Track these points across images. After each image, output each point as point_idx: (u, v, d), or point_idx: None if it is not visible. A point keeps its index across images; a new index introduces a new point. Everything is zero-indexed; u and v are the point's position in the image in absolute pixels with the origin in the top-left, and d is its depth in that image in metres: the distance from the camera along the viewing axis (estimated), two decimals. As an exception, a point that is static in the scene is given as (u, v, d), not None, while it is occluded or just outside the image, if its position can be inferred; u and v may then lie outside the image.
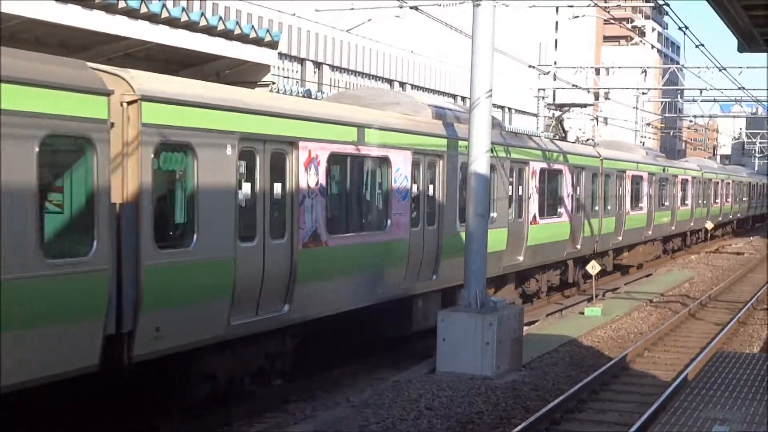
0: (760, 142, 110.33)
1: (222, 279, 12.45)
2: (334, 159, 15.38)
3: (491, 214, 20.26)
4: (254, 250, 13.14)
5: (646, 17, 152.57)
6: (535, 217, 23.83)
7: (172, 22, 14.74)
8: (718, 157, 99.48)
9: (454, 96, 76.92)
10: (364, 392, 15.05)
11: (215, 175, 12.29)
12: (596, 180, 29.25)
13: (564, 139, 30.12)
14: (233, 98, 13.01)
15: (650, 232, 36.32)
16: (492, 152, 18.01)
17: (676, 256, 42.68)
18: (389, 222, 16.95)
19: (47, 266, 9.83)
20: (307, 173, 14.38)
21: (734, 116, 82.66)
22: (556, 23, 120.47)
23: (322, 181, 14.78)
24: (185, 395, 12.86)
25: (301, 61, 60.02)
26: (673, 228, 40.50)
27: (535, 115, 50.79)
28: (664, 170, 38.69)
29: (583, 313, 24.01)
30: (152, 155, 11.31)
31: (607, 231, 30.38)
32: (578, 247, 27.65)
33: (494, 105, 17.47)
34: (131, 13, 14.03)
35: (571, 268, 28.11)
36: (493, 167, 19.03)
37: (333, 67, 63.08)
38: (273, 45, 17.19)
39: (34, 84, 9.71)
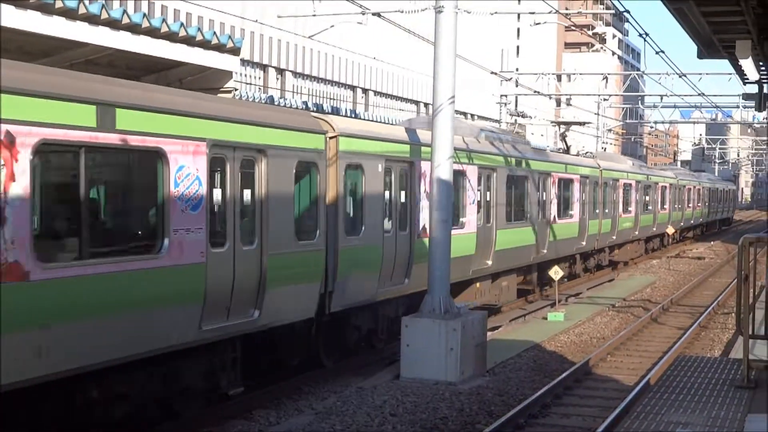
0: (720, 148, 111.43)
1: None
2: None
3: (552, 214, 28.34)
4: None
5: (607, 24, 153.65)
6: (554, 218, 28.79)
7: (134, 29, 14.64)
8: (679, 163, 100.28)
9: (417, 103, 77.08)
10: (328, 399, 15.02)
11: (372, 184, 17.45)
12: (597, 188, 33.85)
13: (567, 152, 34.36)
14: (381, 131, 18.52)
15: (637, 233, 40.77)
16: (527, 165, 25.88)
17: (638, 260, 43.00)
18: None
19: (298, 246, 14.85)
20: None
21: (694, 122, 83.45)
22: (518, 30, 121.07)
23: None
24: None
25: (264, 67, 59.88)
26: (654, 229, 44.95)
27: (498, 121, 50.97)
28: (647, 178, 43.00)
29: (546, 319, 24.13)
30: (344, 172, 16.43)
31: (605, 231, 34.79)
32: (583, 243, 32.28)
33: (457, 111, 17.51)
34: (92, 19, 13.92)
35: (578, 262, 33.22)
36: (527, 177, 26.04)
37: (296, 74, 63.01)
38: (235, 51, 17.13)
39: (294, 129, 15.06)
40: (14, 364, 9.89)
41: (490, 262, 23.17)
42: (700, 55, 11.49)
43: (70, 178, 11.08)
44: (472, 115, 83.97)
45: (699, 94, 42.81)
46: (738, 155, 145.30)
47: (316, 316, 15.77)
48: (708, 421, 8.92)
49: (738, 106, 56.68)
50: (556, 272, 26.12)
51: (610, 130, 70.23)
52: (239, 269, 13.51)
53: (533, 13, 29.60)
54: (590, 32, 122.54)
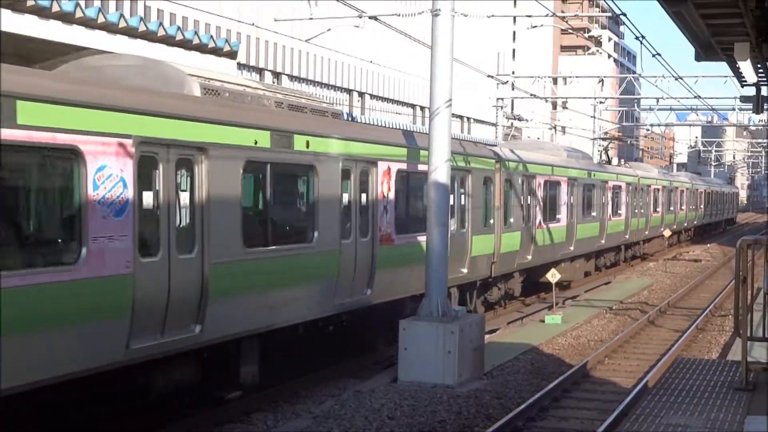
0: (715, 151, 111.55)
1: None
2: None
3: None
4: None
5: (603, 27, 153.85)
6: (609, 216, 36.97)
7: (130, 32, 14.68)
8: (675, 166, 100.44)
9: (413, 106, 77.06)
10: (326, 403, 15.00)
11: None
12: (636, 193, 42.00)
13: (609, 163, 42.44)
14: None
15: (661, 228, 48.69)
16: (594, 176, 34.32)
17: (633, 263, 43.05)
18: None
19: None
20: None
21: (690, 125, 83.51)
22: (514, 33, 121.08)
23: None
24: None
25: (260, 71, 59.87)
26: (675, 226, 52.42)
27: (494, 125, 50.96)
28: (670, 184, 50.98)
29: (543, 321, 24.11)
30: (504, 183, 23.56)
31: (641, 227, 43.19)
32: (627, 236, 40.56)
33: (453, 115, 17.49)
34: (88, 24, 13.95)
35: (622, 251, 41.42)
36: (594, 185, 34.63)
37: (292, 77, 62.98)
38: (232, 55, 17.17)
39: (474, 156, 21.39)
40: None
41: (572, 248, 31.75)
42: (698, 58, 11.49)
43: None
44: (468, 119, 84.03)
45: (695, 97, 42.83)
46: (734, 158, 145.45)
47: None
48: (707, 423, 8.92)
49: (734, 109, 56.71)
50: (553, 275, 26.11)
51: (606, 133, 70.29)
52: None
53: (530, 16, 29.61)
54: (586, 35, 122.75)
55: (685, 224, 56.20)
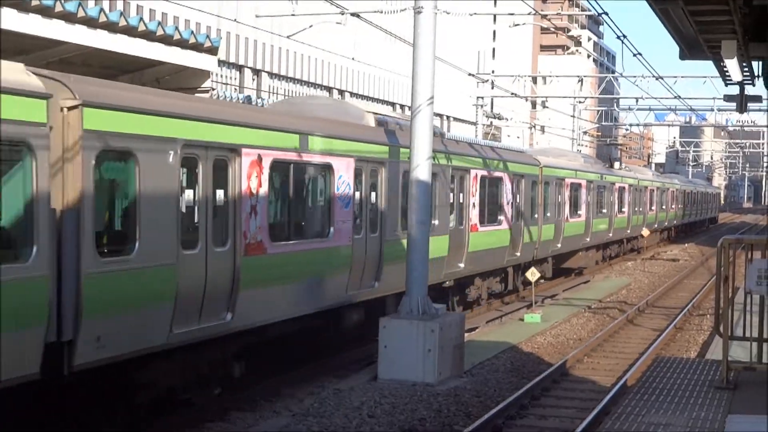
0: (693, 151, 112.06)
1: None
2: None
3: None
4: None
5: (582, 27, 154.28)
6: (616, 213, 41.44)
7: (110, 27, 14.53)
8: (653, 166, 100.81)
9: (393, 104, 76.97)
10: (306, 401, 14.94)
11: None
12: (636, 192, 46.85)
13: (611, 167, 45.77)
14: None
15: (656, 225, 53.12)
16: (605, 179, 38.68)
17: (613, 262, 43.17)
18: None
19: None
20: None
21: (669, 125, 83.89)
22: (494, 33, 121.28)
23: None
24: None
25: (240, 68, 59.68)
26: (666, 223, 57.33)
27: (474, 123, 51.00)
28: (663, 185, 55.81)
29: (523, 320, 24.13)
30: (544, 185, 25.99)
31: (638, 223, 47.50)
32: (628, 231, 45.08)
33: (433, 113, 17.44)
34: (68, 18, 13.80)
35: (625, 245, 46.27)
36: (605, 187, 39.17)
37: (272, 75, 62.83)
38: (213, 51, 17.04)
39: (525, 164, 23.84)
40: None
41: (588, 239, 36.41)
42: (683, 57, 11.49)
43: None
44: (448, 117, 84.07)
45: (675, 97, 43.00)
46: (711, 158, 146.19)
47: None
48: (688, 422, 8.92)
49: (713, 109, 56.97)
50: (532, 273, 26.13)
51: (585, 133, 70.45)
52: None
53: (512, 14, 29.60)
54: (566, 34, 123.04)
55: (675, 221, 61.71)
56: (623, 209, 43.17)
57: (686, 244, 56.60)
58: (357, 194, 17.74)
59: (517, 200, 27.33)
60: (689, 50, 11.25)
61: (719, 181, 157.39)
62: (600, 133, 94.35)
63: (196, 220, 13.14)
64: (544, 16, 36.32)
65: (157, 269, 12.10)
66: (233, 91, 47.03)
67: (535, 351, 20.29)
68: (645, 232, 48.11)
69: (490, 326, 23.66)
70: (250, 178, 14.24)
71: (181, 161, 12.67)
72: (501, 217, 25.77)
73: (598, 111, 72.36)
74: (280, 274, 15.14)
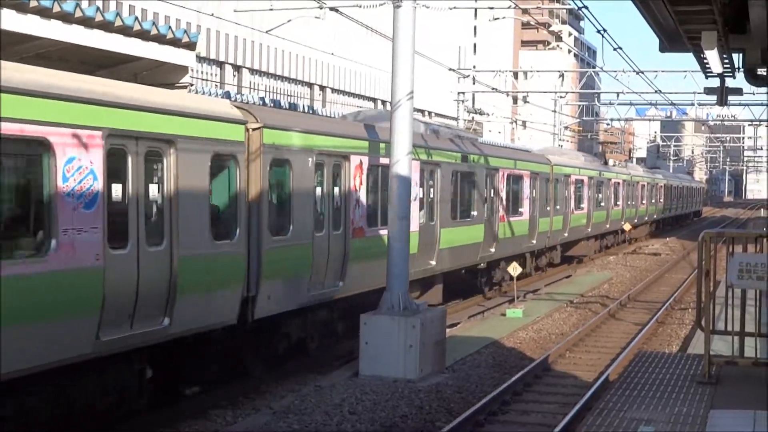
0: (674, 145, 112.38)
1: None
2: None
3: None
4: None
5: (563, 22, 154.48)
6: (612, 206, 45.02)
7: (87, 22, 14.37)
8: (634, 160, 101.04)
9: (375, 100, 76.86)
10: (286, 398, 14.84)
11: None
12: (629, 187, 50.18)
13: (606, 164, 48.52)
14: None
15: (646, 217, 56.85)
16: (601, 175, 42.95)
17: (595, 257, 43.21)
18: None
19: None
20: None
21: (650, 119, 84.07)
22: (475, 28, 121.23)
23: None
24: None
25: (220, 64, 59.45)
26: (655, 216, 60.86)
27: (455, 119, 50.92)
28: (653, 180, 59.57)
29: (504, 315, 24.08)
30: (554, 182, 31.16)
31: (631, 215, 50.68)
32: (623, 223, 48.21)
33: (414, 108, 17.38)
34: (44, 12, 13.65)
35: (619, 235, 49.29)
36: (603, 182, 43.03)
37: (252, 71, 62.61)
38: (191, 46, 16.88)
39: (538, 162, 27.80)
40: None
41: (590, 230, 40.36)
42: (662, 49, 11.42)
43: None
44: (429, 113, 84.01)
45: (656, 91, 43.03)
46: (692, 152, 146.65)
47: None
48: (671, 417, 8.86)
49: (693, 104, 57.05)
50: (514, 268, 26.08)
51: (566, 128, 70.52)
52: None
53: (492, 8, 29.50)
54: (547, 30, 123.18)
55: (663, 214, 66.02)
56: (618, 203, 47.03)
57: (668, 238, 56.74)
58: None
59: (534, 195, 31.40)
60: (669, 42, 11.18)
61: (700, 175, 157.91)
62: (581, 128, 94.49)
63: (320, 211, 17.13)
64: (524, 11, 36.21)
65: (301, 246, 16.27)
66: (214, 87, 46.83)
67: (517, 346, 20.23)
68: (626, 226, 48.18)
69: (471, 321, 23.60)
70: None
71: (315, 165, 16.70)
72: (522, 210, 30.14)
73: (579, 106, 72.41)
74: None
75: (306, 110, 25.18)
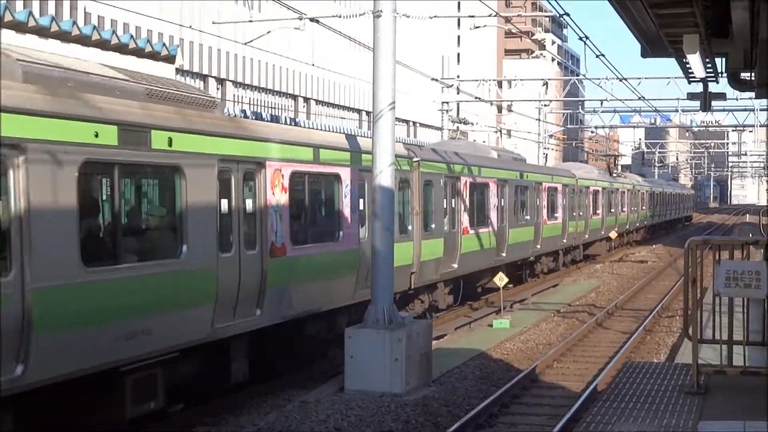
0: (659, 152, 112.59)
1: None
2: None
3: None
4: None
5: (546, 30, 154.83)
6: (619, 212, 51.60)
7: (63, 36, 14.24)
8: (620, 167, 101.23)
9: (359, 111, 76.72)
10: (271, 414, 14.63)
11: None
12: (633, 195, 56.54)
13: (611, 175, 53.54)
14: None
15: (646, 222, 63.44)
16: (612, 185, 49.16)
17: (581, 266, 43.14)
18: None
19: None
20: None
21: (634, 126, 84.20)
22: (458, 38, 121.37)
23: None
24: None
25: (204, 77, 59.30)
26: (648, 221, 64.54)
27: (440, 129, 50.84)
28: (651, 188, 65.58)
29: (491, 326, 23.90)
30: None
31: (635, 220, 57.62)
32: (627, 227, 54.85)
33: (398, 119, 17.23)
34: (19, 27, 13.51)
35: (625, 237, 55.34)
36: (613, 192, 48.93)
37: (236, 84, 62.46)
38: (170, 59, 16.78)
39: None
40: None
41: (603, 231, 46.99)
42: (644, 54, 11.29)
43: None
44: (414, 123, 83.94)
45: (639, 98, 43.02)
46: (677, 158, 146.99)
47: None
48: (660, 429, 8.71)
49: (677, 110, 57.12)
50: (500, 278, 25.93)
51: (551, 136, 70.54)
52: None
53: (473, 16, 29.39)
54: (530, 38, 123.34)
55: (661, 218, 72.35)
56: (624, 209, 53.73)
57: (654, 246, 56.73)
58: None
59: (564, 203, 38.52)
60: (651, 47, 11.05)
61: (685, 181, 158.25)
62: (566, 136, 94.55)
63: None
64: (507, 19, 36.10)
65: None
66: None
67: (505, 357, 20.06)
68: (613, 234, 48.13)
69: (458, 333, 23.42)
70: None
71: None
72: (557, 215, 37.39)
73: (564, 114, 72.43)
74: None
75: (289, 122, 25.05)
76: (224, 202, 14.27)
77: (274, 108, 64.16)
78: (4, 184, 10.38)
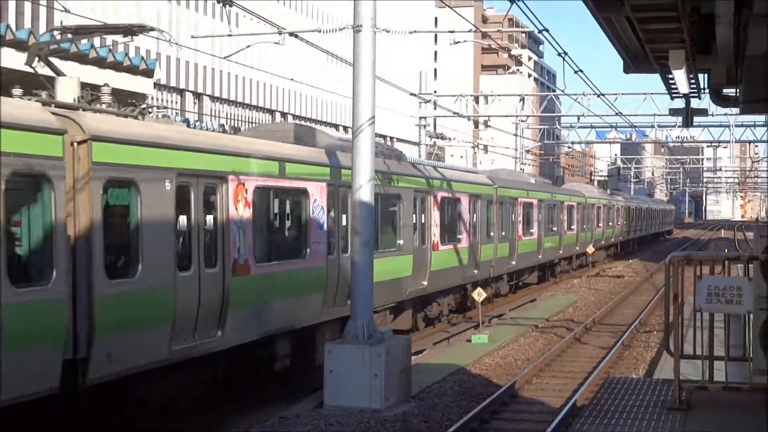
0: (635, 167, 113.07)
1: None
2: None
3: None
4: None
5: (522, 46, 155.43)
6: (614, 226, 59.27)
7: (42, 50, 14.12)
8: (596, 182, 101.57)
9: (336, 126, 76.65)
10: (250, 430, 14.52)
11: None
12: (623, 210, 63.50)
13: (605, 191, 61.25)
14: None
15: (632, 234, 70.61)
16: (609, 203, 57.16)
17: (559, 279, 43.20)
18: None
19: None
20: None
21: (610, 142, 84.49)
22: (435, 53, 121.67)
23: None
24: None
25: (181, 92, 59.15)
26: (632, 234, 70.78)
27: (417, 144, 50.86)
28: (638, 205, 73.03)
29: (470, 341, 23.86)
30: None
31: (623, 232, 63.94)
32: (621, 238, 63.35)
33: (376, 134, 17.13)
34: (-4, 41, 13.39)
35: (618, 248, 64.37)
36: (610, 208, 57.44)
37: (213, 98, 62.32)
38: (148, 73, 16.69)
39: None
40: None
41: (603, 242, 56.00)
42: (627, 70, 11.31)
43: None
44: (391, 138, 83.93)
45: (616, 114, 43.17)
46: (653, 174, 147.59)
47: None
48: (642, 446, 8.67)
49: (653, 126, 57.39)
50: (479, 294, 25.91)
51: (528, 151, 70.74)
52: None
53: (452, 31, 29.44)
54: (506, 54, 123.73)
55: (646, 231, 79.79)
56: (618, 222, 60.48)
57: (630, 261, 56.90)
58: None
59: (576, 218, 46.30)
60: (634, 63, 11.06)
61: (660, 196, 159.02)
62: (542, 152, 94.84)
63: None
64: (484, 35, 36.19)
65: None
66: (175, 114, 46.47)
67: (483, 373, 20.02)
68: (590, 249, 48.25)
69: (437, 348, 23.37)
70: None
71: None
72: (573, 227, 45.64)
73: (540, 129, 72.65)
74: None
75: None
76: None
77: (252, 123, 64.04)
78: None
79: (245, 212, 15.36)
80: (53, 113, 11.76)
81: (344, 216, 19.00)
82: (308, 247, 17.78)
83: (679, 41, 9.22)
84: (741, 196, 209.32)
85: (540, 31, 19.28)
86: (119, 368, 12.45)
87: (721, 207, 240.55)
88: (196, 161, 14.16)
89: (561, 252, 43.14)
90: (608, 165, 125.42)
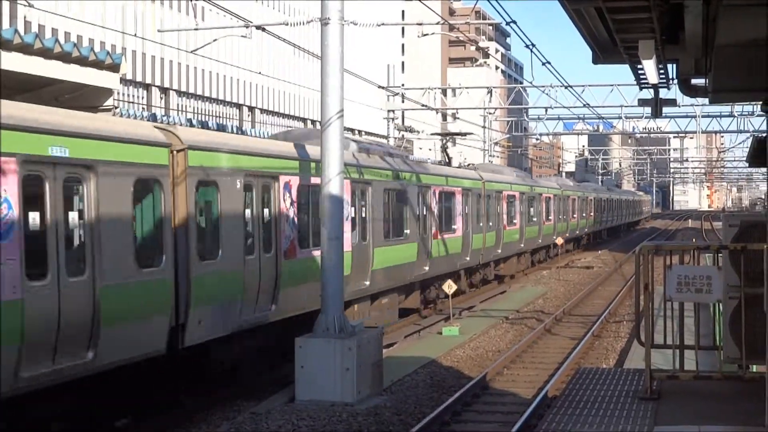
0: (602, 159, 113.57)
1: None
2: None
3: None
4: None
5: (490, 39, 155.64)
6: (588, 216, 61.63)
7: (5, 45, 13.94)
8: (564, 174, 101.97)
9: (304, 120, 76.48)
10: (221, 427, 14.44)
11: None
12: (601, 202, 65.96)
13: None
14: None
15: (612, 223, 74.91)
16: (583, 194, 60.02)
17: (528, 271, 43.32)
18: None
19: None
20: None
21: (578, 133, 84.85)
22: (403, 46, 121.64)
23: None
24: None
25: (147, 86, 58.74)
26: (612, 223, 75.56)
27: (386, 137, 50.80)
28: (619, 197, 79.35)
29: (441, 333, 23.87)
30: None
31: (599, 221, 67.32)
32: (596, 227, 66.06)
33: (345, 128, 17.10)
34: (-42, 35, 13.20)
35: (592, 238, 65.95)
36: (585, 200, 59.55)
37: (180, 93, 61.96)
38: (114, 68, 16.47)
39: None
40: None
41: (578, 231, 58.38)
42: (596, 60, 11.31)
43: None
44: (360, 132, 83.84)
45: (584, 105, 43.30)
46: (620, 165, 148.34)
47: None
48: (615, 435, 8.69)
49: (620, 117, 57.61)
50: (449, 286, 25.92)
51: (496, 143, 70.87)
52: None
53: (420, 24, 29.39)
54: (474, 47, 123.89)
55: (621, 220, 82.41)
56: (584, 214, 60.42)
57: (599, 251, 57.15)
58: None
59: (554, 209, 48.03)
60: (603, 53, 11.07)
61: (628, 187, 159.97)
62: (511, 144, 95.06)
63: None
64: (451, 27, 36.15)
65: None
66: (140, 109, 46.15)
67: (455, 365, 20.03)
68: (559, 240, 48.41)
69: (408, 341, 23.36)
70: None
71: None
72: (551, 217, 47.02)
73: (508, 122, 72.80)
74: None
75: (235, 131, 24.83)
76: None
77: (219, 117, 63.74)
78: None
79: (291, 205, 18.06)
80: (156, 127, 14.69)
81: (363, 209, 22.08)
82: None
83: (648, 31, 9.22)
84: (708, 186, 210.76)
85: (508, 23, 19.28)
86: (207, 334, 15.10)
87: (689, 197, 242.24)
88: (256, 163, 16.90)
89: (540, 241, 44.76)
90: (576, 156, 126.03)
